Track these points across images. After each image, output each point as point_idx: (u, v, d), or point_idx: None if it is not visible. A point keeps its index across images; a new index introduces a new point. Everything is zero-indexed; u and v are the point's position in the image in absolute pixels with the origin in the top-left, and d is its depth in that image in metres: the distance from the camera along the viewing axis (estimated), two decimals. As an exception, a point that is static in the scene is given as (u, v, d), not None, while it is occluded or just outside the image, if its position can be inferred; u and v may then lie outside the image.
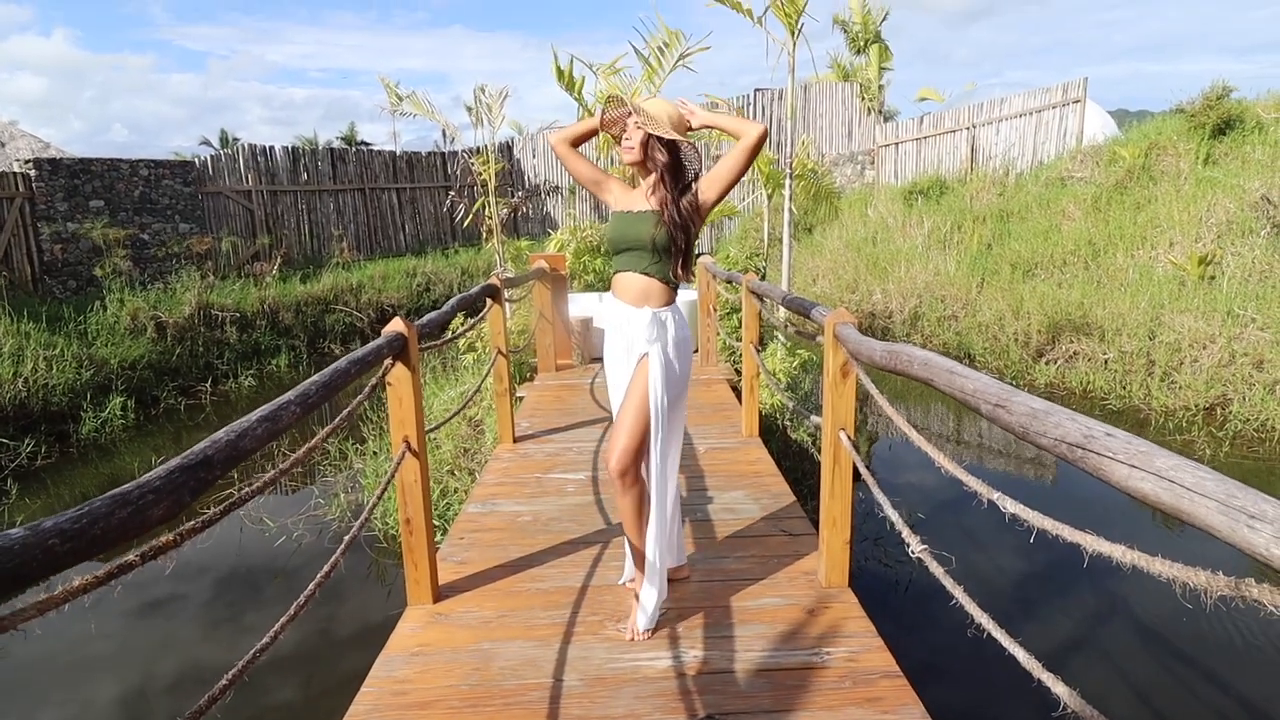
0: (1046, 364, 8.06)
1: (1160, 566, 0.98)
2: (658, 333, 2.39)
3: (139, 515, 1.09)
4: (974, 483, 1.47)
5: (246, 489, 1.42)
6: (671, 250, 2.38)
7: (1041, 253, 10.10)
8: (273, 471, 1.54)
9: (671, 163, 2.36)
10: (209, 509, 1.36)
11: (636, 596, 2.47)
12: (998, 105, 14.11)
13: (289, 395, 1.58)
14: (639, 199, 2.45)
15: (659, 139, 2.33)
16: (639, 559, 2.44)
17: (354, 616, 4.17)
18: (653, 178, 2.39)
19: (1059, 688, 1.24)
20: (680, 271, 2.43)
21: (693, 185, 2.42)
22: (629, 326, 2.42)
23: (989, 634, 1.49)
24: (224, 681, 1.40)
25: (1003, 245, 10.79)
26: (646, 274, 2.40)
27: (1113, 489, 1.04)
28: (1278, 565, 0.78)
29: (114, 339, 9.09)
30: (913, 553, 1.85)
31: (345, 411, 1.92)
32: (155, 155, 12.93)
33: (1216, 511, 0.85)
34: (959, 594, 1.61)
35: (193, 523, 1.25)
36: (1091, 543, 1.13)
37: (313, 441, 1.67)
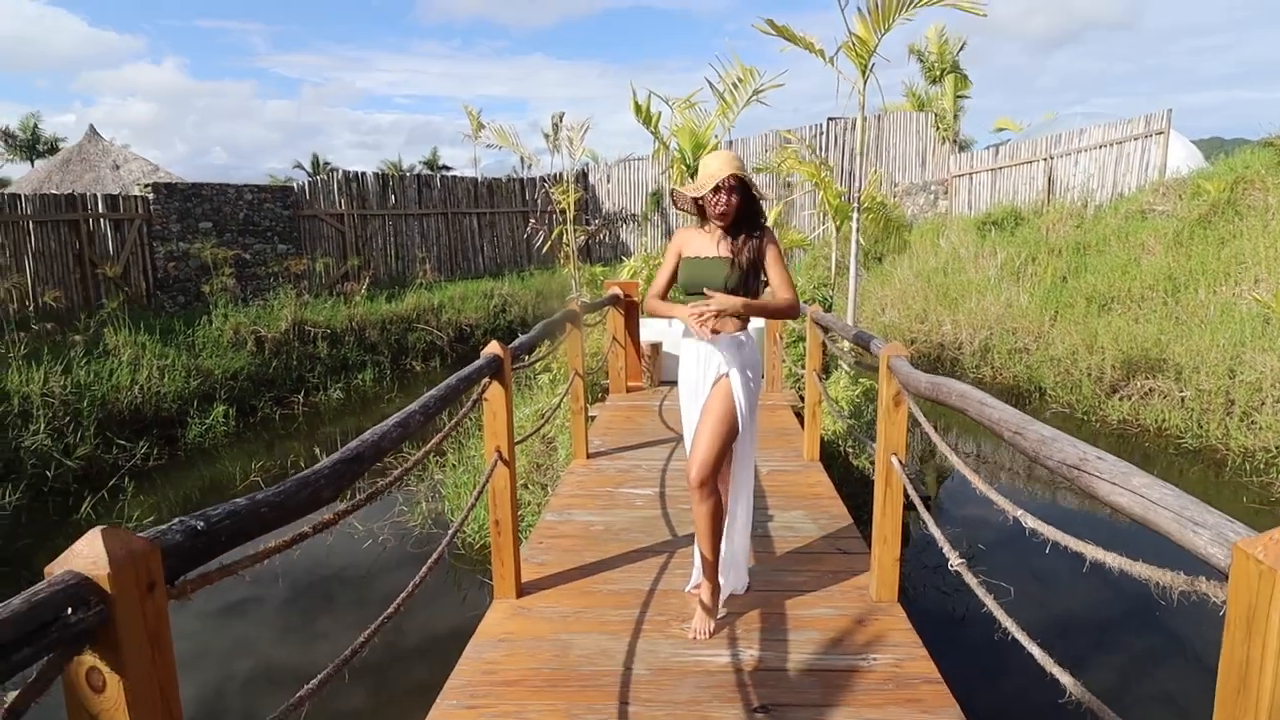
0: (1120, 400, 7.95)
1: (1139, 569, 1.19)
2: (736, 354, 2.65)
3: (316, 494, 1.40)
4: (1001, 500, 1.67)
5: (383, 481, 1.73)
6: (742, 291, 2.63)
7: (1119, 287, 9.94)
8: (399, 470, 1.85)
9: (752, 214, 2.66)
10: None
11: (701, 602, 2.71)
12: (1076, 136, 13.94)
13: (413, 406, 1.90)
14: (708, 244, 2.71)
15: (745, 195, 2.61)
16: (709, 568, 2.67)
17: (437, 616, 4.49)
18: (727, 228, 2.66)
19: (1065, 678, 1.43)
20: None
21: (762, 232, 2.69)
22: (709, 350, 2.66)
23: (1051, 675, 1.66)
24: (337, 663, 1.64)
25: (1078, 278, 10.65)
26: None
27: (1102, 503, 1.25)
28: (1213, 562, 0.99)
29: (218, 351, 9.79)
30: (951, 566, 2.04)
31: (455, 420, 2.24)
32: (251, 177, 13.97)
33: (1171, 520, 1.06)
34: (989, 602, 1.80)
35: (346, 505, 1.57)
36: (1091, 552, 1.33)
37: (431, 443, 1.98)
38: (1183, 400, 7.50)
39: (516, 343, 3.07)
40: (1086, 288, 10.21)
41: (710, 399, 2.65)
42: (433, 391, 2.05)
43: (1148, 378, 7.93)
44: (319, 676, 1.40)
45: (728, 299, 2.55)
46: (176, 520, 1.03)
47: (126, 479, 6.85)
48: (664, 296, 2.83)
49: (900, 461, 2.65)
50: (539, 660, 2.49)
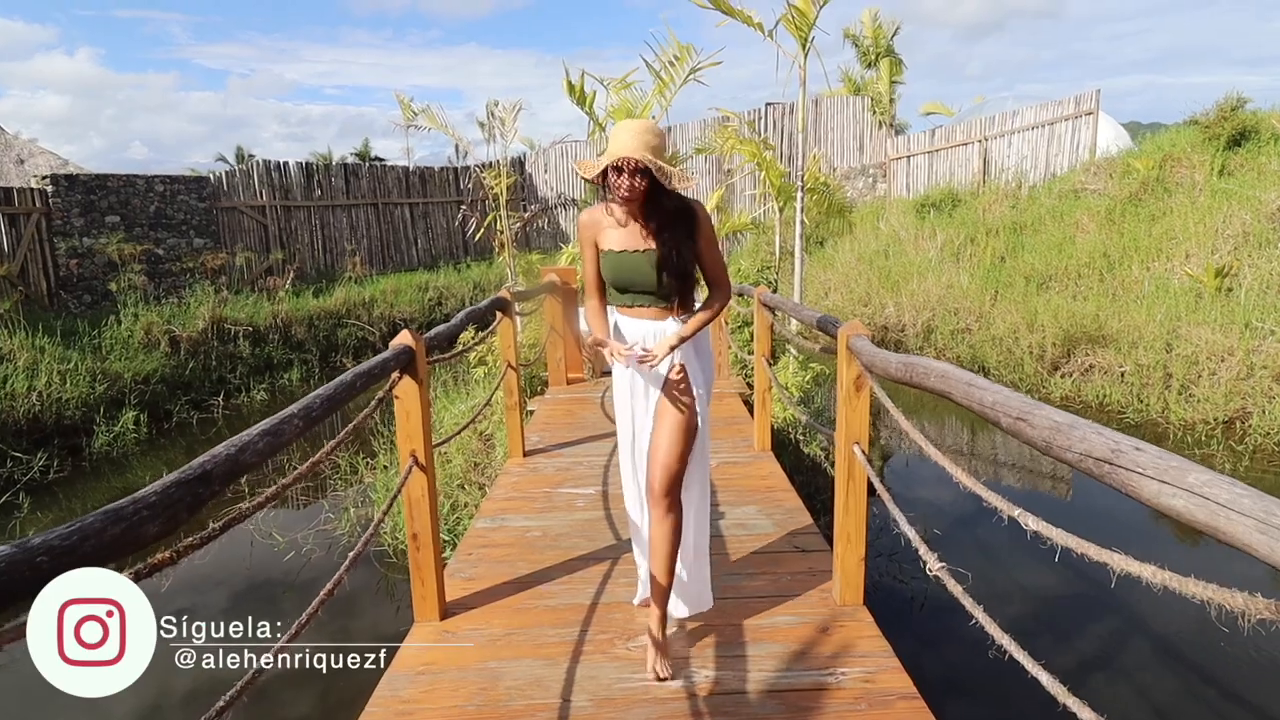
0: (1062, 377, 7.97)
1: (1194, 588, 0.94)
2: (691, 341, 2.30)
3: (133, 532, 1.06)
4: (995, 499, 1.42)
5: (248, 505, 1.39)
6: (676, 287, 2.27)
7: (1055, 265, 10.02)
8: (274, 487, 1.51)
9: (676, 206, 2.21)
10: (213, 522, 1.33)
11: (653, 638, 2.29)
12: (1010, 118, 14.07)
13: (292, 408, 1.56)
14: (634, 236, 2.26)
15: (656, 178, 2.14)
16: (661, 594, 2.30)
17: (364, 633, 4.13)
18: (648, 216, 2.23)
19: (1085, 714, 1.18)
20: (689, 298, 2.32)
21: (691, 213, 2.25)
22: (655, 339, 2.29)
23: (1010, 655, 1.44)
24: (230, 695, 1.35)
25: (1016, 258, 10.72)
26: (665, 308, 2.30)
27: (1143, 505, 0.99)
28: (1324, 588, 0.73)
29: (128, 353, 9.14)
30: (930, 571, 1.80)
31: (349, 426, 1.89)
32: (172, 171, 13.05)
33: (1255, 530, 0.80)
34: (979, 614, 1.56)
35: (190, 539, 1.23)
36: (1119, 562, 1.08)
37: (316, 456, 1.64)
38: (1122, 375, 7.53)
39: (433, 332, 2.72)
40: (1025, 267, 10.27)
41: (667, 396, 2.27)
42: (320, 390, 1.70)
43: (1088, 354, 7.96)
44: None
45: (663, 345, 2.20)
46: None
47: (21, 494, 6.27)
48: (604, 292, 2.40)
49: (864, 451, 2.40)
50: (463, 696, 2.15)
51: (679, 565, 2.38)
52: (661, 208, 2.20)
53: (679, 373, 2.27)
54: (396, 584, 4.57)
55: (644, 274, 2.24)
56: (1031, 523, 1.32)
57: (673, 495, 2.23)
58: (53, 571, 0.92)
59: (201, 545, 1.24)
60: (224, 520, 1.31)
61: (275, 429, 1.45)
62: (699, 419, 2.27)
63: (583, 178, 2.30)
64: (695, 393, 2.27)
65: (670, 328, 2.29)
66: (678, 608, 2.51)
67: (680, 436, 2.24)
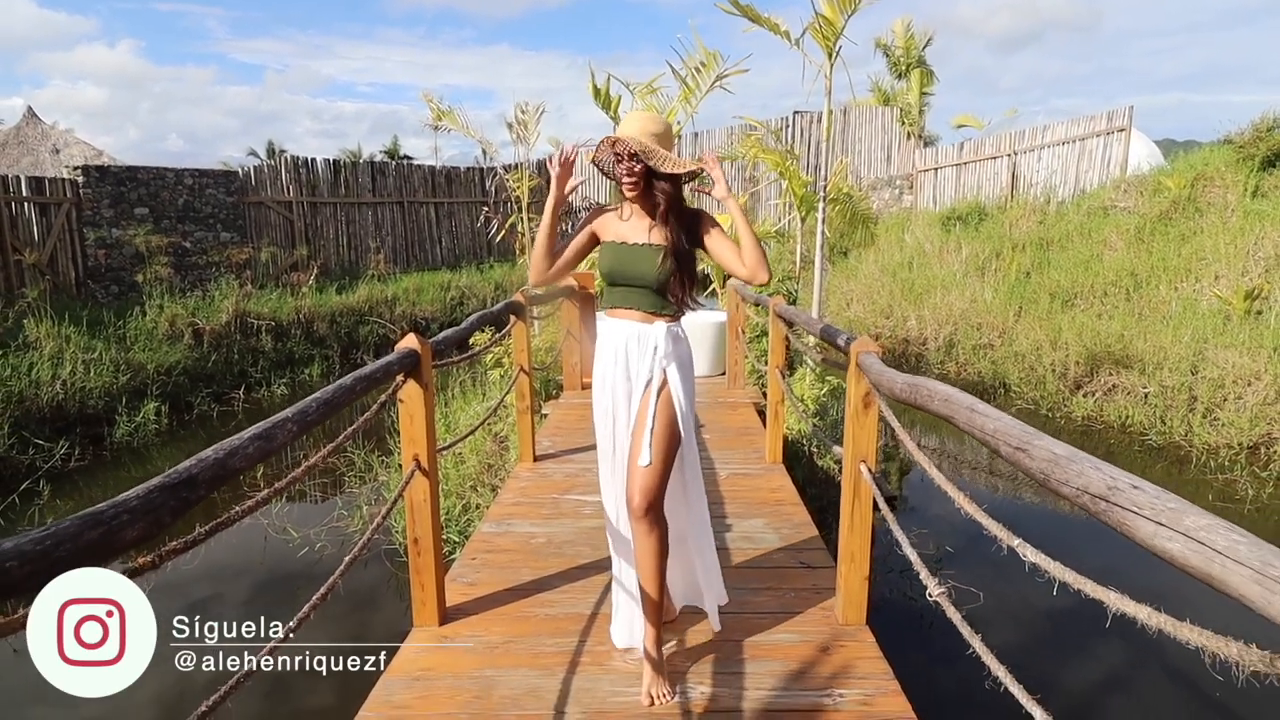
0: (1084, 396, 7.84)
1: (1188, 633, 0.90)
2: (674, 347, 2.25)
3: (111, 537, 1.05)
4: (994, 526, 1.39)
5: (239, 509, 1.39)
6: (674, 285, 2.22)
7: (1081, 283, 9.88)
8: (265, 490, 1.51)
9: (675, 194, 2.19)
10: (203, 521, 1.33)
11: (649, 655, 2.23)
12: (1040, 132, 13.90)
13: (287, 412, 1.56)
14: (638, 229, 2.26)
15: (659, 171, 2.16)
16: (653, 610, 2.22)
17: (370, 633, 4.14)
18: (653, 210, 2.24)
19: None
20: (688, 299, 2.27)
21: (698, 215, 2.27)
22: (639, 342, 2.24)
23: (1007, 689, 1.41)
24: (216, 696, 1.37)
25: (1042, 274, 10.58)
26: (653, 311, 2.26)
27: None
28: (1319, 646, 0.70)
29: (152, 344, 9.27)
30: (930, 595, 1.76)
31: (348, 432, 1.89)
32: (206, 164, 13.20)
33: (1251, 580, 0.77)
34: (976, 643, 1.52)
35: (175, 543, 1.22)
36: (1115, 601, 1.05)
37: (311, 460, 1.64)
38: (1146, 397, 7.40)
39: (441, 336, 2.72)
40: (1050, 283, 10.13)
41: (644, 405, 2.20)
42: (318, 394, 1.70)
43: (1111, 374, 7.83)
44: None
45: (713, 160, 2.15)
46: None
47: (43, 481, 6.36)
48: (566, 267, 2.33)
49: (870, 470, 2.37)
50: (457, 703, 2.15)
51: (696, 570, 2.44)
52: (666, 199, 2.18)
53: (660, 384, 2.22)
54: (406, 584, 4.57)
55: (642, 266, 2.20)
56: (1030, 554, 1.29)
57: (654, 513, 2.15)
58: (24, 579, 0.91)
59: (186, 549, 1.24)
60: (211, 525, 1.31)
61: (267, 433, 1.44)
62: (681, 431, 2.21)
63: (596, 162, 2.30)
64: (676, 402, 2.20)
65: (658, 331, 2.23)
66: (708, 603, 2.55)
67: (662, 450, 2.17)
